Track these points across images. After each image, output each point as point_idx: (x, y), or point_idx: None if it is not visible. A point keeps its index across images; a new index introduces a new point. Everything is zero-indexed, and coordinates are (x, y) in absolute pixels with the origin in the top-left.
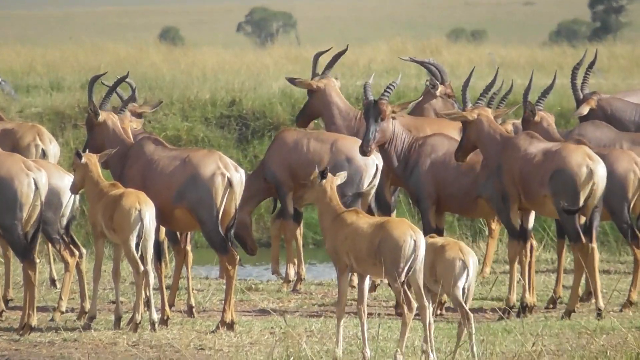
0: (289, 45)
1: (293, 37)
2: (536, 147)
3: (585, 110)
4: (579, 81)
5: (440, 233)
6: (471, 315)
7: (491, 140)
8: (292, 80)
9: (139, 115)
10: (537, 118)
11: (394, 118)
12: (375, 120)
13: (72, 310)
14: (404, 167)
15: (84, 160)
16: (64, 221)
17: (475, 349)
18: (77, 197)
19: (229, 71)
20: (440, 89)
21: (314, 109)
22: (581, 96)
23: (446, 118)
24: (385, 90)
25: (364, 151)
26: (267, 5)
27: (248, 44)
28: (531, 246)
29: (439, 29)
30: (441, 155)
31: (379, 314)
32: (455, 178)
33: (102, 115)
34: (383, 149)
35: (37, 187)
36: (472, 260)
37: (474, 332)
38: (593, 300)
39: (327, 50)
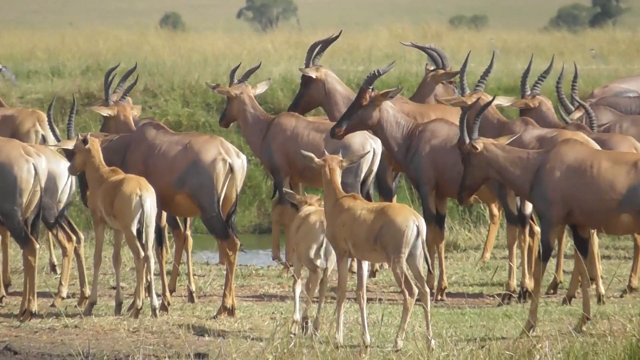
0: (290, 31)
1: (294, 22)
2: (531, 133)
3: (576, 115)
4: (566, 94)
5: (441, 219)
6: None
7: (488, 125)
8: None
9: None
10: (535, 102)
11: (376, 105)
12: (352, 106)
13: (73, 295)
14: (404, 153)
15: (87, 145)
16: (61, 206)
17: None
18: (74, 182)
19: (230, 56)
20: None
21: (313, 99)
22: (572, 109)
23: (446, 104)
24: (367, 77)
25: (332, 133)
26: None
27: (249, 30)
28: (533, 231)
29: (440, 14)
30: (441, 140)
31: (380, 300)
32: (454, 163)
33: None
34: (379, 135)
35: (36, 173)
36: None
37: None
38: (593, 286)
39: (325, 40)
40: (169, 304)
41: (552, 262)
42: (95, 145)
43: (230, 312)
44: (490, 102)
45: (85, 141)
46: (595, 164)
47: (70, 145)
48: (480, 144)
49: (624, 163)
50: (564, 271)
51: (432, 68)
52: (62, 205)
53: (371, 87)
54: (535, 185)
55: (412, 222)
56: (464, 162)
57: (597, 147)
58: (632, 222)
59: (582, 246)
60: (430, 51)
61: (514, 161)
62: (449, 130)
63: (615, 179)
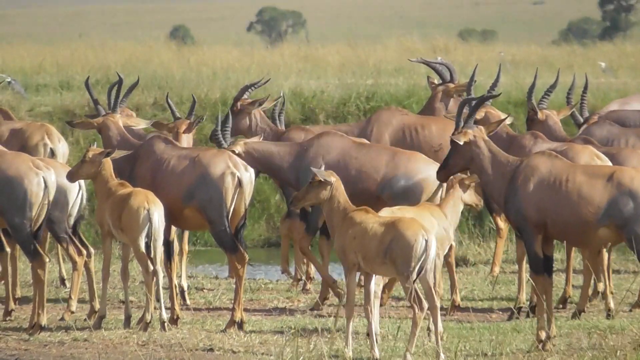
0: (299, 44)
1: (303, 35)
2: (540, 147)
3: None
4: (575, 105)
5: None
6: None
7: (497, 139)
8: None
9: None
10: (541, 116)
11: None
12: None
13: (83, 309)
14: (296, 174)
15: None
16: (72, 220)
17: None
18: (85, 196)
19: (239, 70)
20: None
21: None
22: (582, 120)
23: (452, 119)
24: (222, 127)
25: (216, 143)
26: (276, 4)
27: (259, 43)
28: None
29: (449, 28)
30: (334, 155)
31: (388, 315)
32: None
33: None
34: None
35: (46, 186)
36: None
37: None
38: (603, 300)
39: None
40: (178, 317)
41: (561, 276)
42: (108, 160)
43: (240, 326)
44: (488, 98)
45: (108, 154)
46: (570, 178)
47: (97, 120)
48: (469, 134)
49: (600, 176)
50: (573, 286)
51: (436, 82)
52: (72, 219)
53: (245, 97)
54: (509, 197)
55: (421, 237)
56: (452, 145)
57: (608, 161)
58: (611, 236)
59: (547, 264)
60: (438, 66)
61: (494, 164)
62: (342, 142)
63: (593, 193)
